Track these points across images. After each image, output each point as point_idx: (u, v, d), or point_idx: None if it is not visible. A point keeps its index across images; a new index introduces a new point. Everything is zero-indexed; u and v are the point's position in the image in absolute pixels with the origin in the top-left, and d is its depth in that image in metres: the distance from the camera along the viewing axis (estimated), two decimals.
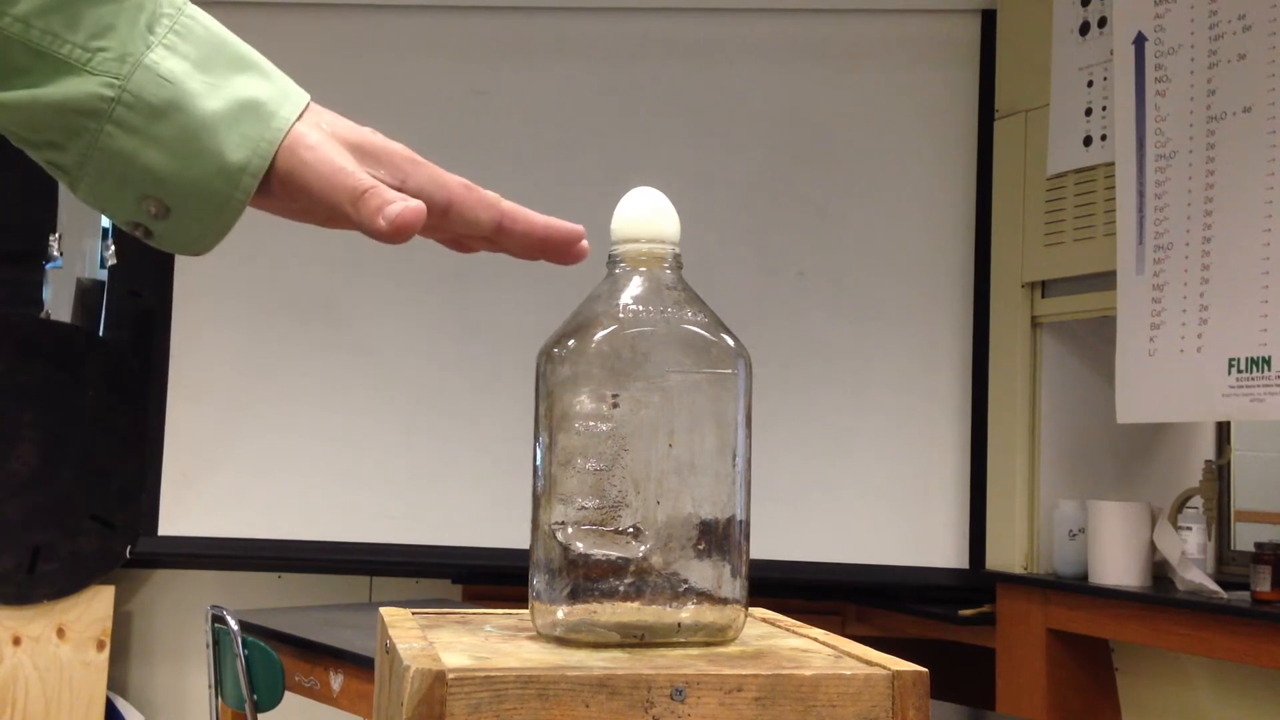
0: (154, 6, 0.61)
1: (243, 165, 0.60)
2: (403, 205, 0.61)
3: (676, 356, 0.75)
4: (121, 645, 3.87)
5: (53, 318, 3.85)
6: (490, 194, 0.66)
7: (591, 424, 0.75)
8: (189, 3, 0.63)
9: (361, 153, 0.64)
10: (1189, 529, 2.79)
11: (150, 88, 0.59)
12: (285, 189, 0.62)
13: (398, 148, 0.65)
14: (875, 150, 3.46)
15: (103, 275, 3.93)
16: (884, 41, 3.47)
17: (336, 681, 2.49)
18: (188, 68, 0.60)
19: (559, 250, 0.69)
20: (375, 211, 0.61)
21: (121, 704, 3.81)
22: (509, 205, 0.67)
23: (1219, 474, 3.05)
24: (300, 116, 0.63)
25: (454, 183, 0.65)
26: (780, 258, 3.44)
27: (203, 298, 3.59)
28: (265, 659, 2.44)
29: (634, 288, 0.78)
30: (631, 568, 0.74)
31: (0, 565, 3.62)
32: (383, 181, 0.63)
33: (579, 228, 0.69)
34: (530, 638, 0.76)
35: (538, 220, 0.68)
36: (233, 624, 2.47)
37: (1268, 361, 2.44)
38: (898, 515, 3.34)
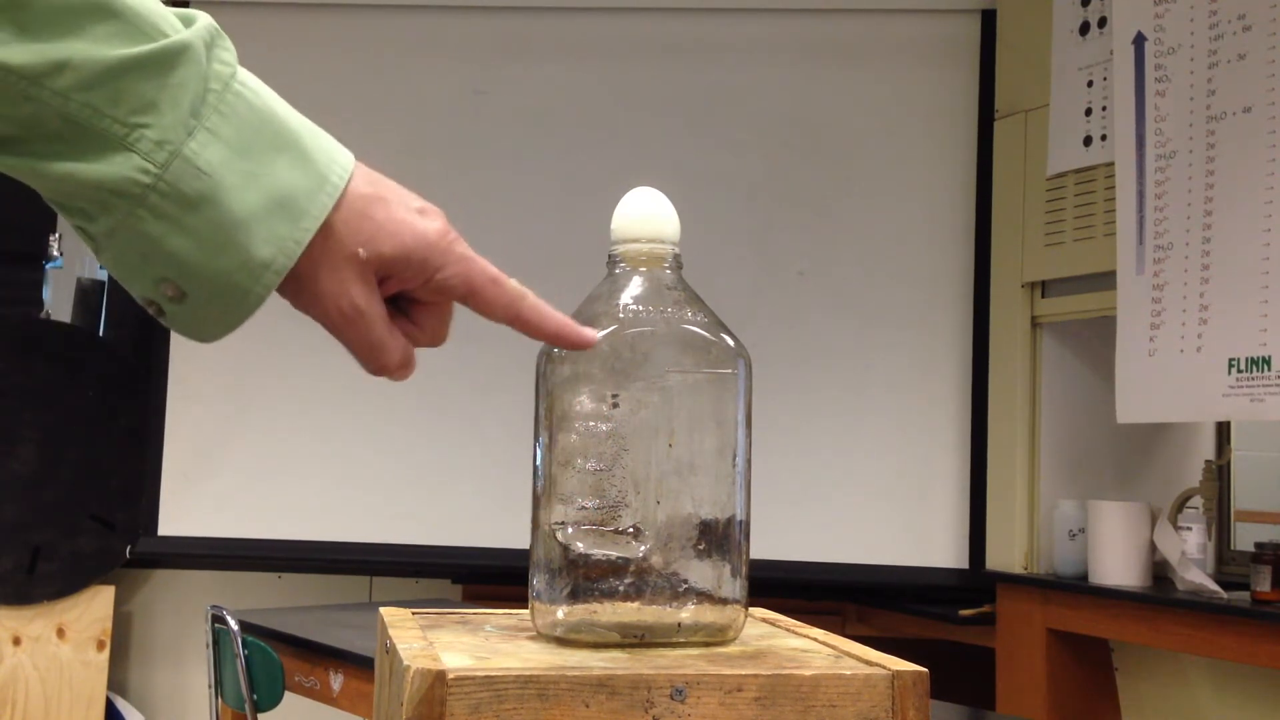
0: (200, 85, 0.59)
1: (267, 263, 0.61)
2: (397, 376, 0.69)
3: (676, 356, 0.75)
4: (121, 645, 3.87)
5: (53, 318, 3.85)
6: (513, 293, 0.69)
7: (591, 424, 0.74)
8: (239, 70, 0.62)
9: (383, 263, 0.65)
10: (1189, 529, 2.78)
11: (187, 179, 0.58)
12: (298, 291, 0.64)
13: (432, 235, 0.66)
14: (875, 150, 3.45)
15: (103, 275, 3.93)
16: (884, 41, 3.47)
17: (336, 681, 2.49)
18: (227, 155, 0.59)
19: (566, 346, 0.73)
20: (373, 370, 0.71)
21: (121, 704, 3.81)
22: (528, 308, 0.69)
23: (1219, 474, 3.04)
24: (338, 204, 0.63)
25: (480, 278, 0.67)
26: (780, 258, 3.44)
27: None
28: (265, 659, 2.44)
29: (634, 288, 0.78)
30: (631, 568, 0.74)
31: (0, 565, 3.61)
32: (407, 288, 0.67)
33: (591, 336, 0.72)
34: (530, 638, 0.76)
35: (549, 324, 0.71)
36: (233, 624, 2.47)
37: (1268, 361, 2.44)
38: (898, 515, 3.33)
